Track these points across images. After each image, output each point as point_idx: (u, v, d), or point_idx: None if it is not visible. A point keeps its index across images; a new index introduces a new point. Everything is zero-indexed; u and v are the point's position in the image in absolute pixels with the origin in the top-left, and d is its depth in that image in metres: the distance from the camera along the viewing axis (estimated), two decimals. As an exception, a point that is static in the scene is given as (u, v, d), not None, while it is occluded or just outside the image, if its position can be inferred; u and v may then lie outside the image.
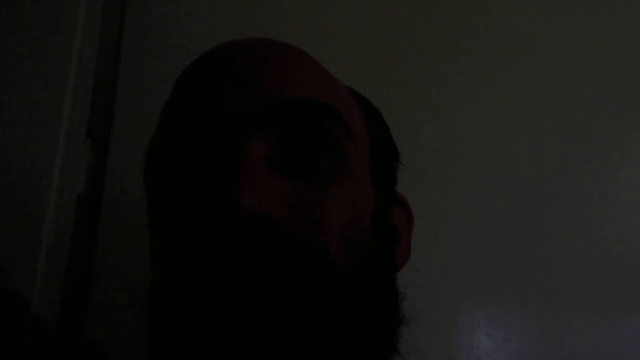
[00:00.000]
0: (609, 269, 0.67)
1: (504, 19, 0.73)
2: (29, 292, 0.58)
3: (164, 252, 0.37)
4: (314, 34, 0.69)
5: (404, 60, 0.71)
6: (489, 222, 0.67)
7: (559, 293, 0.65)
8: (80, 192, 0.64)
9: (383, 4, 0.72)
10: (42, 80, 0.64)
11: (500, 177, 0.68)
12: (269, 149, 0.35)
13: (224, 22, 0.69)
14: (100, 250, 0.62)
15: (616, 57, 0.73)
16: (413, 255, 0.62)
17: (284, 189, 0.34)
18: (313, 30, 0.70)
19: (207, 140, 0.36)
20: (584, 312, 0.65)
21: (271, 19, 0.70)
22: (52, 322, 0.59)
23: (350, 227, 0.35)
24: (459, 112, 0.70)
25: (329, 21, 0.71)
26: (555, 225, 0.67)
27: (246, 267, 0.31)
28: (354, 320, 0.34)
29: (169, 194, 0.37)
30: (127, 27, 0.68)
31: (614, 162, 0.71)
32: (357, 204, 0.37)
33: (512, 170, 0.69)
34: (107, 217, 0.62)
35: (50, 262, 0.60)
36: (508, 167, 0.69)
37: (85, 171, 0.65)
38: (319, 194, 0.35)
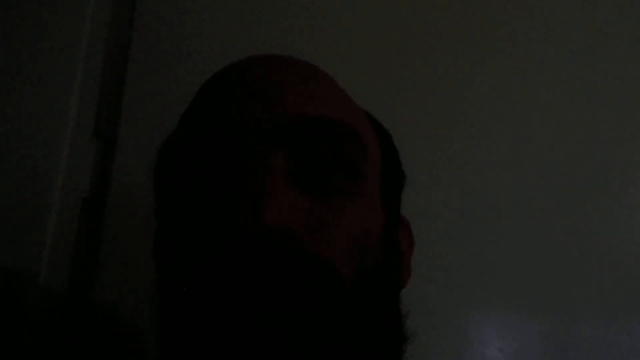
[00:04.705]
0: (625, 281, 0.65)
1: (507, 19, 0.72)
2: (32, 296, 0.57)
3: (177, 260, 0.38)
4: (321, 35, 0.69)
5: (404, 60, 0.69)
6: (497, 232, 0.65)
7: (571, 305, 0.64)
8: (85, 195, 0.63)
9: (385, 5, 0.71)
10: (48, 78, 0.63)
11: (513, 190, 0.67)
12: (290, 165, 0.36)
13: (232, 22, 0.68)
14: (105, 253, 0.61)
15: (620, 59, 0.72)
16: (423, 264, 0.61)
17: (302, 204, 0.35)
18: (319, 32, 0.69)
19: (230, 153, 0.37)
20: (597, 325, 0.63)
21: (280, 21, 0.69)
22: (55, 327, 0.58)
23: (362, 246, 0.37)
24: (465, 117, 0.68)
25: (336, 22, 0.70)
26: (569, 237, 0.66)
27: (263, 281, 0.32)
28: (361, 337, 0.34)
29: (187, 202, 0.38)
30: (135, 25, 0.67)
31: (617, 170, 0.68)
32: (369, 224, 0.38)
33: (525, 183, 0.67)
34: (113, 219, 0.61)
35: (53, 265, 0.59)
36: (519, 178, 0.67)
37: (91, 172, 0.63)
38: (335, 212, 0.36)
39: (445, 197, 0.65)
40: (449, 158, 0.67)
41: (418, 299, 0.61)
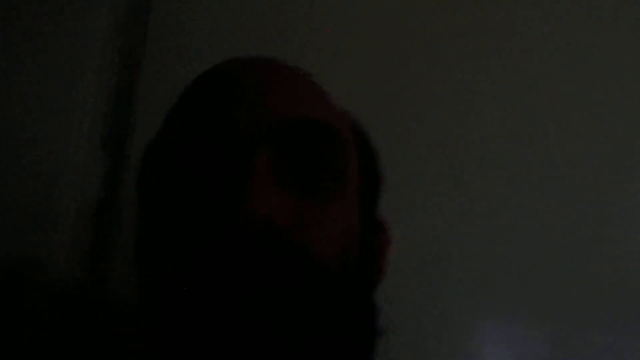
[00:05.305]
0: (630, 289, 0.64)
1: (509, 19, 0.71)
2: (33, 296, 0.58)
3: (165, 255, 0.39)
4: (334, 36, 0.69)
5: (407, 60, 0.70)
6: (501, 240, 0.65)
7: (575, 314, 0.63)
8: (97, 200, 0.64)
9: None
10: (57, 86, 0.64)
11: (518, 195, 0.66)
12: (275, 164, 0.38)
13: (245, 30, 0.69)
14: (119, 252, 0.61)
15: (620, 62, 0.71)
16: (426, 272, 0.62)
17: (286, 201, 0.37)
18: (333, 32, 0.70)
19: (217, 153, 0.38)
20: (602, 333, 0.63)
21: (290, 25, 0.70)
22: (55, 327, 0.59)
23: (343, 244, 0.39)
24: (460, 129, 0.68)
25: (338, 24, 0.70)
26: (572, 244, 0.65)
27: (251, 270, 0.34)
28: (341, 324, 0.37)
29: (175, 200, 0.39)
30: (149, 33, 0.68)
31: (620, 175, 0.68)
32: (349, 222, 0.40)
33: (528, 187, 0.67)
34: (126, 225, 0.62)
35: (69, 260, 0.60)
36: (522, 183, 0.67)
37: (102, 182, 0.65)
38: (318, 209, 0.38)
39: (449, 205, 0.65)
40: (455, 159, 0.67)
41: (420, 308, 0.61)
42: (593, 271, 0.64)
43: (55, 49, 0.65)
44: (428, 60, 0.70)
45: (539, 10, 0.72)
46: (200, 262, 0.35)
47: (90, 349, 0.59)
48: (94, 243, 0.63)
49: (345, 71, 0.67)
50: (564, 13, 0.72)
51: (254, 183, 0.36)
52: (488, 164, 0.67)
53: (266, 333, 0.34)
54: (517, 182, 0.67)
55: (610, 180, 0.67)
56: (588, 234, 0.66)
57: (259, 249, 0.34)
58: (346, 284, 0.38)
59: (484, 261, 0.64)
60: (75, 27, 0.65)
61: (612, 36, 0.71)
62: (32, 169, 0.61)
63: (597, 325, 0.63)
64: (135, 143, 0.65)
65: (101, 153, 0.65)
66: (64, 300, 0.59)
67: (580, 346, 0.63)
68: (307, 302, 0.35)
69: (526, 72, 0.70)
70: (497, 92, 0.69)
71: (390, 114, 0.66)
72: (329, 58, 0.68)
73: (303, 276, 0.35)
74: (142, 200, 0.44)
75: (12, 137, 0.62)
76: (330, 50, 0.68)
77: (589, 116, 0.69)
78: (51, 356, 0.57)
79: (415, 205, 0.64)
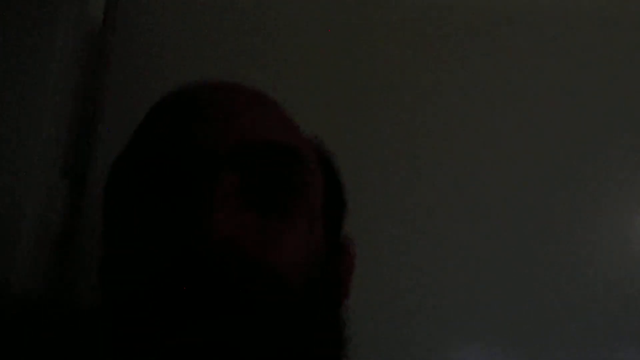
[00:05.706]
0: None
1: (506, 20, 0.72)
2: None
3: (127, 277, 0.39)
4: (298, 54, 0.70)
5: (405, 59, 0.71)
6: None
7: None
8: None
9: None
10: (18, 112, 0.63)
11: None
12: (238, 184, 0.39)
13: (210, 54, 0.70)
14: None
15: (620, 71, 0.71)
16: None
17: (251, 220, 0.39)
18: (297, 51, 0.71)
19: (182, 173, 0.39)
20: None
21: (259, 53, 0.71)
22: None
23: (306, 261, 0.40)
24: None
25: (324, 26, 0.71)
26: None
27: (211, 291, 0.35)
28: (304, 343, 0.38)
29: (139, 220, 0.40)
30: (111, 59, 0.69)
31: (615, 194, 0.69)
32: (311, 241, 0.42)
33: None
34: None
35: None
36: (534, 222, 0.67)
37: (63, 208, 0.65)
38: (282, 227, 0.40)
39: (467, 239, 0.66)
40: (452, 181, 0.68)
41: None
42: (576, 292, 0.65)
43: (14, 74, 0.64)
44: (426, 61, 0.71)
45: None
46: (163, 282, 0.36)
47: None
48: (56, 265, 0.63)
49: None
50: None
51: (217, 203, 0.37)
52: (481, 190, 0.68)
53: (232, 355, 0.34)
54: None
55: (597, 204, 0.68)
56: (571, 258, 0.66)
57: (221, 268, 0.35)
58: (311, 303, 0.39)
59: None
60: (34, 53, 0.65)
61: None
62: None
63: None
64: (96, 169, 0.65)
65: (62, 180, 0.66)
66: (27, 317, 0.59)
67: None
68: (271, 320, 0.36)
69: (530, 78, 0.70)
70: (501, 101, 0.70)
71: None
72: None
73: (268, 294, 0.36)
74: (107, 220, 0.45)
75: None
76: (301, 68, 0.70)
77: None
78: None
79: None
